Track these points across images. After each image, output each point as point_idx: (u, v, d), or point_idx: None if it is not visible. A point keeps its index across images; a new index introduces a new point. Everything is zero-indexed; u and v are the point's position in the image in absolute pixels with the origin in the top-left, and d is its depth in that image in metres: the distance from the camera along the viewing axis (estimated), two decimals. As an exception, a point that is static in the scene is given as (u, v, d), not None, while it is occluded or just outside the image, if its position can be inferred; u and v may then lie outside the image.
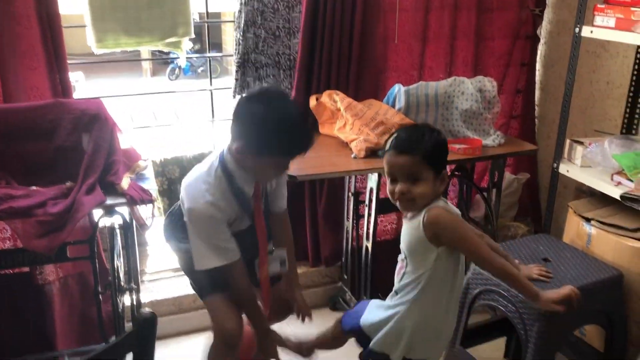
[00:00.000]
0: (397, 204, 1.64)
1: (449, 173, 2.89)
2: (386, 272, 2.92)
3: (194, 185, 1.76)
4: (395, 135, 1.66)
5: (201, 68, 11.05)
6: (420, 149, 1.58)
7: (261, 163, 1.73)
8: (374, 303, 1.83)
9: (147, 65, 11.52)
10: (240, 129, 1.70)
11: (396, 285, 1.71)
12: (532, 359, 1.97)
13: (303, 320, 2.12)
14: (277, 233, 2.03)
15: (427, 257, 1.61)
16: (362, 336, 1.82)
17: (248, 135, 1.68)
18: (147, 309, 1.13)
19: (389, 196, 1.65)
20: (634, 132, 2.55)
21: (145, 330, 1.09)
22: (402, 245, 1.68)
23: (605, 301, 2.06)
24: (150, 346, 1.11)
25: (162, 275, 2.82)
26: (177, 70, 11.01)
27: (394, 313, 1.70)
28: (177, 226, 1.88)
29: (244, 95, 1.80)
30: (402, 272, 1.68)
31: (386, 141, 1.73)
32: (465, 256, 1.68)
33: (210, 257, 1.76)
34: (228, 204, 1.77)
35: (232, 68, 2.61)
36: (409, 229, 1.64)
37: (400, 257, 1.71)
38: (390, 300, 1.74)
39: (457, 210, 1.68)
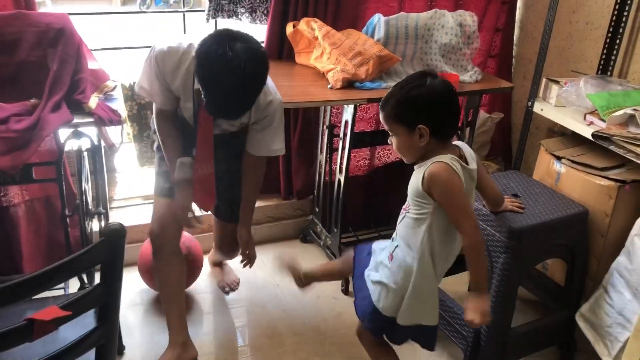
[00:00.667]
0: None
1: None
2: (357, 207, 2.97)
3: (167, 42, 1.86)
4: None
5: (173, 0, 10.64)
6: (386, 106, 1.63)
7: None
8: (379, 257, 1.80)
9: (116, -7, 11.02)
10: (198, 51, 1.71)
11: (399, 227, 1.72)
12: (497, 290, 2.03)
13: (244, 264, 2.24)
14: (244, 173, 2.10)
15: (425, 207, 1.62)
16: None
17: (198, 63, 1.70)
18: (115, 222, 1.10)
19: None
20: (609, 73, 2.56)
21: (114, 241, 1.07)
22: (408, 190, 1.69)
23: (569, 236, 2.12)
24: (119, 258, 1.10)
25: (130, 202, 2.79)
26: (148, 0, 10.59)
27: (399, 279, 1.69)
28: None
29: (227, 28, 1.76)
30: (405, 212, 1.70)
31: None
32: (452, 221, 1.61)
33: (143, 82, 1.90)
34: (180, 80, 1.86)
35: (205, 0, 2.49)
36: (415, 175, 1.65)
37: (406, 200, 1.72)
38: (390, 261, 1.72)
39: (461, 175, 1.60)
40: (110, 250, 1.07)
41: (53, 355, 1.11)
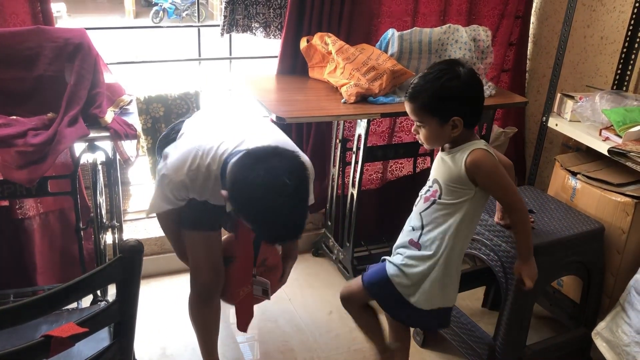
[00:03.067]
0: None
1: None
2: (369, 220, 2.96)
3: (182, 161, 1.66)
4: (413, 80, 1.68)
5: (186, 12, 10.76)
6: (419, 98, 1.63)
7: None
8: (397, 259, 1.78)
9: (130, 7, 11.18)
10: (230, 186, 1.51)
11: (424, 214, 1.71)
12: (511, 308, 2.00)
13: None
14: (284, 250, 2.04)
15: (465, 193, 1.66)
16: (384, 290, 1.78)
17: (235, 199, 1.51)
18: (132, 238, 1.10)
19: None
20: (625, 88, 2.54)
21: (131, 258, 1.07)
22: (437, 176, 1.71)
23: (585, 253, 2.10)
24: (135, 275, 1.10)
25: (144, 215, 2.79)
26: (161, 12, 10.71)
27: (432, 264, 1.70)
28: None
29: (249, 150, 1.54)
30: (432, 199, 1.70)
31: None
32: (497, 200, 1.75)
33: (161, 204, 1.76)
34: (205, 196, 1.71)
35: (217, 13, 2.52)
36: (450, 161, 1.67)
37: (430, 186, 1.74)
38: (418, 249, 1.72)
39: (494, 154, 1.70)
40: (127, 267, 1.07)
41: (68, 371, 1.11)
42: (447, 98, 1.61)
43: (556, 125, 2.46)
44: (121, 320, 1.13)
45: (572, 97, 2.44)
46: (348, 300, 1.89)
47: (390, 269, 1.75)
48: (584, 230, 2.07)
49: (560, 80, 2.56)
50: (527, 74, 3.14)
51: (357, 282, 1.84)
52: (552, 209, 2.18)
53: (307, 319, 2.50)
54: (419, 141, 1.73)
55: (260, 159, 1.48)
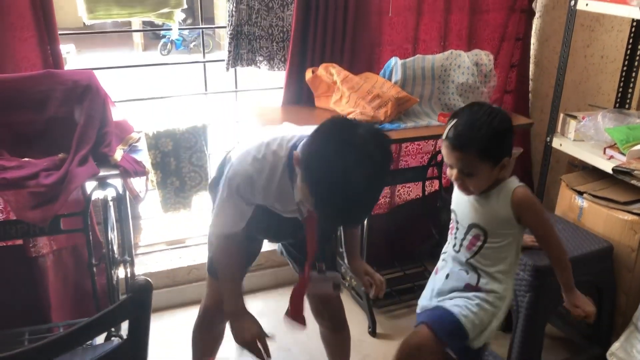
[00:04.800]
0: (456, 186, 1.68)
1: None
2: (380, 245, 2.97)
3: (246, 152, 1.56)
4: (453, 122, 1.58)
5: (193, 43, 10.92)
6: (474, 146, 1.54)
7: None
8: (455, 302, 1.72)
9: (138, 40, 11.38)
10: (306, 172, 1.37)
11: (475, 261, 1.68)
12: (523, 329, 2.00)
13: (375, 294, 1.87)
14: (347, 240, 1.93)
15: (510, 234, 1.64)
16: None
17: (310, 183, 1.36)
18: (142, 277, 1.13)
19: (449, 176, 1.66)
20: (627, 106, 2.56)
21: (141, 297, 1.10)
22: (476, 221, 1.65)
23: (595, 272, 2.09)
24: (146, 313, 1.12)
25: (155, 248, 2.83)
26: (169, 45, 10.88)
27: (500, 304, 1.68)
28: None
29: (333, 132, 1.38)
30: (479, 245, 1.66)
31: (446, 125, 1.63)
32: (537, 237, 1.71)
33: (217, 224, 1.64)
34: (270, 197, 1.58)
35: (225, 43, 2.58)
36: (488, 204, 1.62)
37: (465, 232, 1.68)
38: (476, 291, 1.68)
39: None
40: (138, 305, 1.10)
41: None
42: (501, 139, 1.56)
43: (560, 145, 2.47)
44: (133, 357, 1.15)
45: (574, 117, 2.46)
46: (419, 353, 1.73)
47: (464, 312, 1.65)
48: (592, 249, 2.07)
49: (562, 100, 2.58)
50: (530, 95, 3.17)
51: (423, 333, 1.70)
52: (560, 230, 2.18)
53: (320, 347, 2.48)
54: (457, 186, 1.65)
55: (344, 126, 1.36)
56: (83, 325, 1.02)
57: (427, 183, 2.92)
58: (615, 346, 2.10)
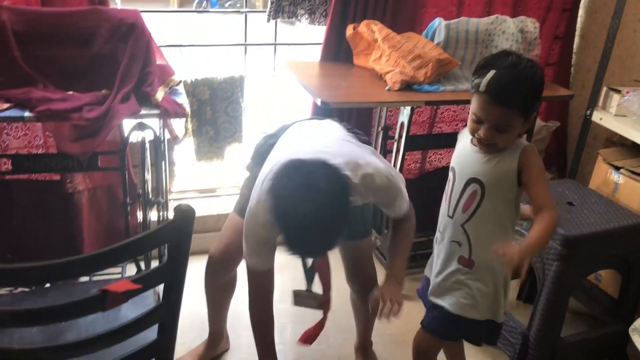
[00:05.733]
0: (478, 142, 1.56)
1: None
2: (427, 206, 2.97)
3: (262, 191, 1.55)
4: (493, 75, 1.45)
5: (228, 2, 10.89)
6: (518, 101, 1.46)
7: None
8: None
9: (174, -3, 11.36)
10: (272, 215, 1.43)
11: (468, 227, 1.60)
12: (547, 300, 2.00)
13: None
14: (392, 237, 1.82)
15: (507, 196, 1.56)
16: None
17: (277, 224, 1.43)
18: (185, 204, 1.16)
19: (469, 130, 1.56)
20: (674, 83, 2.50)
21: (184, 222, 1.13)
22: (476, 175, 1.57)
23: (626, 247, 2.08)
24: (187, 238, 1.15)
25: (187, 195, 2.88)
26: (204, 3, 10.87)
27: (496, 281, 1.62)
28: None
29: (294, 159, 1.45)
30: (474, 207, 1.58)
31: (477, 75, 1.49)
32: (536, 199, 1.53)
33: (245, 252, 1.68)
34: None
35: (259, 3, 2.56)
36: (500, 156, 1.54)
37: (464, 186, 1.60)
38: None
39: None
40: (180, 229, 1.13)
41: (119, 327, 1.17)
42: (540, 94, 1.51)
43: (600, 119, 2.43)
44: (171, 280, 1.18)
45: (618, 91, 2.41)
46: (426, 356, 1.81)
47: (457, 309, 1.63)
48: (624, 224, 2.05)
49: (606, 75, 2.52)
50: (572, 68, 3.10)
51: (425, 338, 1.76)
52: (593, 203, 2.16)
53: (340, 301, 2.53)
54: (478, 144, 1.56)
55: (295, 167, 1.41)
56: (130, 241, 1.06)
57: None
58: (639, 322, 2.09)
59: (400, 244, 1.77)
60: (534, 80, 1.47)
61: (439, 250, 1.72)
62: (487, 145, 1.53)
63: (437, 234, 1.74)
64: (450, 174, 1.69)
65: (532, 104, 1.50)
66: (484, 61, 1.53)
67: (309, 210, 1.33)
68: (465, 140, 1.66)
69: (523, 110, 1.48)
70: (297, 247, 1.42)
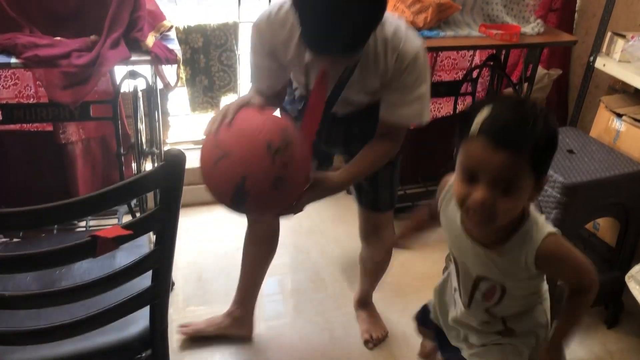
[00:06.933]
0: (468, 214, 1.12)
1: (481, 62, 2.80)
2: (405, 161, 2.95)
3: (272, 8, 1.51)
4: (487, 112, 1.06)
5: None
6: (526, 144, 1.03)
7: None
8: None
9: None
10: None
11: (496, 310, 1.29)
12: (544, 247, 1.99)
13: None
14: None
15: (535, 283, 1.28)
16: None
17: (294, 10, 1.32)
18: (175, 148, 1.12)
19: (457, 200, 1.13)
20: (680, 28, 2.43)
21: (174, 166, 1.09)
22: (490, 275, 1.23)
23: (625, 195, 2.05)
24: (178, 183, 1.12)
25: (182, 147, 2.84)
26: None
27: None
28: None
29: None
30: (497, 297, 1.26)
31: (468, 115, 1.09)
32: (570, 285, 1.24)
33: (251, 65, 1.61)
34: (285, 46, 1.49)
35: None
36: (511, 252, 1.17)
37: (473, 283, 1.27)
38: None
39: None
40: (171, 174, 1.10)
41: (113, 273, 1.16)
42: (555, 147, 1.10)
43: (604, 65, 2.37)
44: (164, 226, 1.16)
45: (623, 37, 2.34)
46: None
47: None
48: (625, 172, 2.02)
49: (611, 21, 2.45)
50: (576, 14, 3.01)
51: None
52: (594, 150, 2.13)
53: (338, 251, 2.54)
54: (471, 217, 1.12)
55: None
56: (119, 185, 1.03)
57: (459, 100, 2.85)
58: (636, 269, 2.08)
59: (365, 167, 1.60)
60: (547, 123, 1.06)
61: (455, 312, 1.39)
62: (486, 215, 1.08)
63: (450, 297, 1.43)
64: (452, 257, 1.33)
65: (545, 157, 1.09)
66: (472, 106, 1.15)
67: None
68: (452, 211, 1.26)
69: (534, 162, 1.05)
70: (317, 33, 1.28)
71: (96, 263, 1.27)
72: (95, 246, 1.05)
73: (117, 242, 1.07)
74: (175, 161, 1.10)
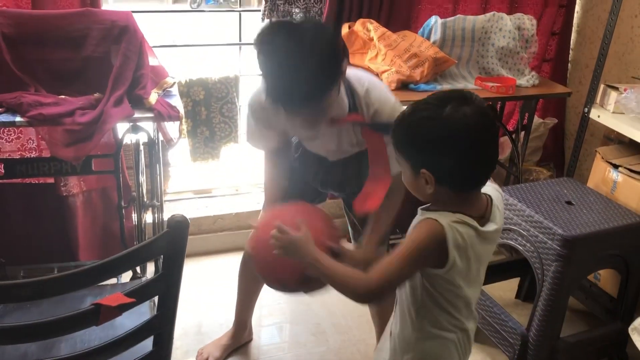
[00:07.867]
0: None
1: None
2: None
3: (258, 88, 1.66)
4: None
5: (223, -1, 10.83)
6: (394, 130, 1.23)
7: None
8: None
9: (169, -8, 11.28)
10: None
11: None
12: (547, 300, 1.99)
13: None
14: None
15: None
16: None
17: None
18: (179, 214, 1.13)
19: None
20: (672, 80, 2.48)
21: (178, 233, 1.10)
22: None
23: (624, 247, 2.06)
24: (181, 249, 1.13)
25: (183, 196, 2.86)
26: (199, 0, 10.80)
27: None
28: None
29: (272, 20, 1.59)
30: None
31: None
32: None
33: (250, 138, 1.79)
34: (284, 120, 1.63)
35: (254, 0, 2.53)
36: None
37: None
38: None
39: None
40: (174, 241, 1.11)
41: (115, 340, 1.15)
42: (413, 140, 1.18)
43: (598, 116, 2.41)
44: (166, 292, 1.17)
45: (616, 88, 2.39)
46: None
47: None
48: (624, 223, 2.03)
49: (604, 72, 2.50)
50: (569, 64, 3.08)
51: None
52: (592, 202, 2.14)
53: (339, 304, 2.52)
54: None
55: (274, 32, 1.41)
56: (122, 254, 1.04)
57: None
58: (639, 321, 2.08)
59: (386, 219, 1.69)
60: (417, 117, 1.19)
61: None
62: None
63: None
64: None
65: (406, 148, 1.22)
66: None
67: (293, 46, 1.35)
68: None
69: (398, 146, 1.23)
70: (279, 89, 1.41)
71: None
72: (99, 314, 1.05)
73: (120, 310, 1.07)
74: (178, 227, 1.11)
